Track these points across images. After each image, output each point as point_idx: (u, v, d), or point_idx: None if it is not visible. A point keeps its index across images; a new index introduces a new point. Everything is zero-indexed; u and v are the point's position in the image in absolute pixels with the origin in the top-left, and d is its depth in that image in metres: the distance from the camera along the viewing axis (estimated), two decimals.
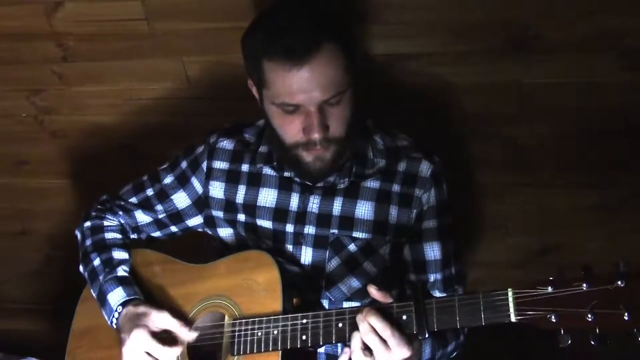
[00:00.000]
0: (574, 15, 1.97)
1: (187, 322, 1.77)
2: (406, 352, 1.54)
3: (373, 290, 1.59)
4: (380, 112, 2.00)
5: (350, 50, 1.68)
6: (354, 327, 1.57)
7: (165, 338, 1.74)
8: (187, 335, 1.74)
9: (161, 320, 1.74)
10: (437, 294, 1.88)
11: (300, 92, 1.63)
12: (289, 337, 1.65)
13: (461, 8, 2.01)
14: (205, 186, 1.95)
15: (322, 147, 1.70)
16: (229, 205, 1.92)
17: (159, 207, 2.01)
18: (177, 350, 1.73)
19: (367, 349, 1.54)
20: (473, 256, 2.47)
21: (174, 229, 2.04)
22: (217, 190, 1.93)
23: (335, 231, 1.83)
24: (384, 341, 1.52)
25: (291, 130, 1.70)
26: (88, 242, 1.97)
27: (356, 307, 1.60)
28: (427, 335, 1.52)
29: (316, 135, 1.67)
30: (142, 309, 1.77)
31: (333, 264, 1.84)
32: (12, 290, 3.04)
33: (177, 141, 2.14)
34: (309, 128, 1.67)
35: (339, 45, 1.64)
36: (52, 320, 3.00)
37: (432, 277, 1.87)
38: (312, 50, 1.59)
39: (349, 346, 1.59)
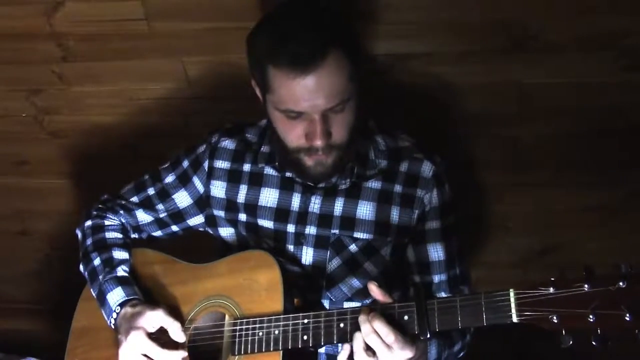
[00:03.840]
0: (574, 15, 1.98)
1: (182, 321, 1.76)
2: (409, 354, 1.53)
3: (373, 287, 1.59)
4: (380, 112, 2.00)
5: (356, 58, 1.66)
6: (356, 327, 1.56)
7: (164, 341, 1.73)
8: (179, 335, 1.73)
9: (155, 318, 1.73)
10: (443, 294, 1.87)
11: (305, 100, 1.62)
12: (290, 337, 1.65)
13: (461, 8, 2.02)
14: (207, 185, 1.95)
15: (323, 153, 1.70)
16: (230, 205, 1.92)
17: (160, 207, 2.01)
18: (175, 354, 1.72)
19: (369, 349, 1.54)
20: (473, 256, 2.47)
21: (175, 228, 2.04)
22: (218, 189, 1.93)
23: (337, 231, 1.83)
24: (386, 343, 1.52)
25: (294, 136, 1.70)
26: (89, 241, 1.97)
27: (357, 307, 1.60)
28: (428, 335, 1.51)
29: (319, 142, 1.67)
30: (138, 308, 1.77)
31: (334, 264, 1.84)
32: (12, 290, 3.04)
33: (177, 141, 2.13)
34: (311, 135, 1.67)
35: (344, 53, 1.62)
36: (52, 320, 3.00)
37: (436, 278, 1.87)
38: (318, 58, 1.58)
39: (350, 344, 1.58)
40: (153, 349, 1.70)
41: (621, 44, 2.00)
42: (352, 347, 1.57)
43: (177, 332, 1.73)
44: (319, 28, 1.62)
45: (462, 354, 1.91)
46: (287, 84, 1.61)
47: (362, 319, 1.55)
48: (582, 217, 2.34)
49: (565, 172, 2.26)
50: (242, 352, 1.70)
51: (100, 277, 1.86)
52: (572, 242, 2.39)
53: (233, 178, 1.92)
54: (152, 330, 1.73)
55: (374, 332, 1.52)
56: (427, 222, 1.85)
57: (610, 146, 2.19)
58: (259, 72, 1.69)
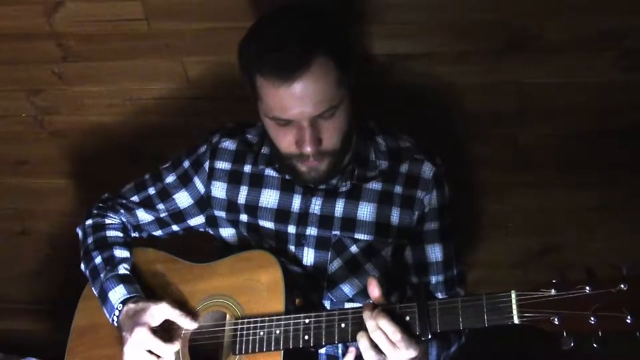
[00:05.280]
0: (574, 15, 1.98)
1: (188, 311, 1.77)
2: (413, 353, 1.53)
3: (373, 281, 1.57)
4: (380, 112, 2.00)
5: (344, 63, 1.65)
6: (357, 328, 1.57)
7: (167, 335, 1.74)
8: (189, 324, 1.74)
9: (160, 312, 1.73)
10: (439, 295, 1.88)
11: (292, 108, 1.62)
12: (291, 337, 1.65)
13: (461, 8, 2.02)
14: (208, 186, 1.95)
15: (315, 160, 1.70)
16: (231, 206, 1.92)
17: (161, 206, 2.01)
18: (178, 347, 1.73)
19: (375, 346, 1.53)
20: (473, 256, 2.49)
21: (175, 228, 2.04)
22: (219, 190, 1.93)
23: (337, 233, 1.84)
24: (392, 341, 1.51)
25: (285, 143, 1.70)
26: (89, 240, 1.97)
27: (358, 307, 1.60)
28: (429, 337, 1.51)
29: (308, 149, 1.66)
30: (141, 304, 1.77)
31: (335, 265, 1.84)
32: (12, 290, 3.04)
33: (177, 141, 2.14)
34: (301, 142, 1.67)
35: (331, 60, 1.61)
36: (52, 320, 3.01)
37: (433, 279, 1.88)
38: (302, 67, 1.57)
39: (355, 346, 1.58)
40: (157, 344, 1.70)
41: (621, 44, 2.01)
42: (357, 347, 1.57)
43: (186, 321, 1.74)
44: (304, 35, 1.61)
45: (455, 354, 1.92)
46: (273, 93, 1.62)
47: (366, 315, 1.54)
48: (582, 217, 2.34)
49: (565, 172, 2.27)
50: (243, 352, 1.70)
51: (102, 275, 1.86)
52: (572, 242, 2.39)
53: (234, 179, 1.92)
54: (156, 324, 1.73)
55: (378, 328, 1.52)
56: (425, 223, 1.85)
57: (610, 146, 2.20)
58: (248, 80, 1.69)
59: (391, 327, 1.51)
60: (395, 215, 1.83)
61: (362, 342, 1.54)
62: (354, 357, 1.62)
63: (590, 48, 2.03)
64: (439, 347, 1.79)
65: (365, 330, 1.54)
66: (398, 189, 1.84)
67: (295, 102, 1.61)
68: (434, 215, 1.85)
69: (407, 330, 1.52)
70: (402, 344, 1.51)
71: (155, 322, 1.73)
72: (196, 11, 2.15)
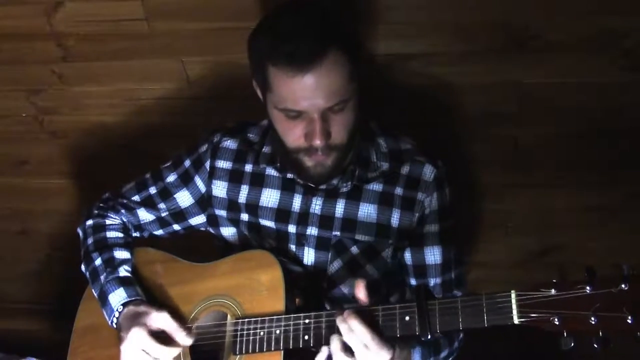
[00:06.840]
0: (574, 15, 1.98)
1: (186, 326, 1.76)
2: (386, 355, 1.53)
3: (361, 285, 1.59)
4: (380, 112, 2.00)
5: (356, 58, 1.66)
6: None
7: (165, 337, 1.73)
8: (183, 339, 1.73)
9: (160, 320, 1.73)
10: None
11: (304, 99, 1.62)
12: (291, 337, 1.65)
13: (461, 8, 2.02)
14: (209, 185, 1.94)
15: (323, 154, 1.70)
16: (232, 205, 1.92)
17: (162, 206, 2.01)
18: (174, 351, 1.73)
19: (347, 349, 1.54)
20: (473, 256, 2.49)
21: (176, 227, 2.04)
22: (220, 189, 1.93)
23: (338, 233, 1.83)
24: (363, 342, 1.52)
25: (293, 136, 1.70)
26: (90, 240, 1.97)
27: (359, 307, 1.60)
28: (429, 337, 1.51)
29: (318, 142, 1.66)
30: (142, 308, 1.77)
31: (335, 265, 1.84)
32: (12, 290, 3.04)
33: (177, 141, 2.13)
34: (311, 134, 1.66)
35: (344, 53, 1.62)
36: (52, 320, 3.01)
37: (431, 282, 1.88)
38: (317, 57, 1.58)
39: (328, 347, 1.59)
40: (153, 345, 1.70)
41: (621, 44, 2.01)
42: (329, 349, 1.58)
43: (181, 336, 1.73)
44: (318, 27, 1.62)
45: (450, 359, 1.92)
46: (286, 83, 1.61)
47: (339, 319, 1.55)
48: (582, 217, 2.34)
49: (565, 172, 2.27)
50: (244, 352, 1.70)
51: (102, 277, 1.86)
52: (572, 242, 2.39)
53: (234, 178, 1.92)
54: (155, 329, 1.73)
55: (351, 331, 1.53)
56: (425, 225, 1.85)
57: (611, 146, 2.19)
58: (259, 71, 1.69)
59: (360, 327, 1.52)
60: (395, 217, 1.83)
61: (334, 344, 1.56)
62: (325, 357, 1.62)
63: (590, 48, 2.02)
64: (424, 353, 1.79)
65: (338, 333, 1.56)
66: (399, 190, 1.83)
67: (308, 94, 1.61)
68: (434, 218, 1.85)
69: (378, 332, 1.53)
70: (374, 345, 1.51)
71: (154, 327, 1.73)
72: (196, 11, 2.15)
